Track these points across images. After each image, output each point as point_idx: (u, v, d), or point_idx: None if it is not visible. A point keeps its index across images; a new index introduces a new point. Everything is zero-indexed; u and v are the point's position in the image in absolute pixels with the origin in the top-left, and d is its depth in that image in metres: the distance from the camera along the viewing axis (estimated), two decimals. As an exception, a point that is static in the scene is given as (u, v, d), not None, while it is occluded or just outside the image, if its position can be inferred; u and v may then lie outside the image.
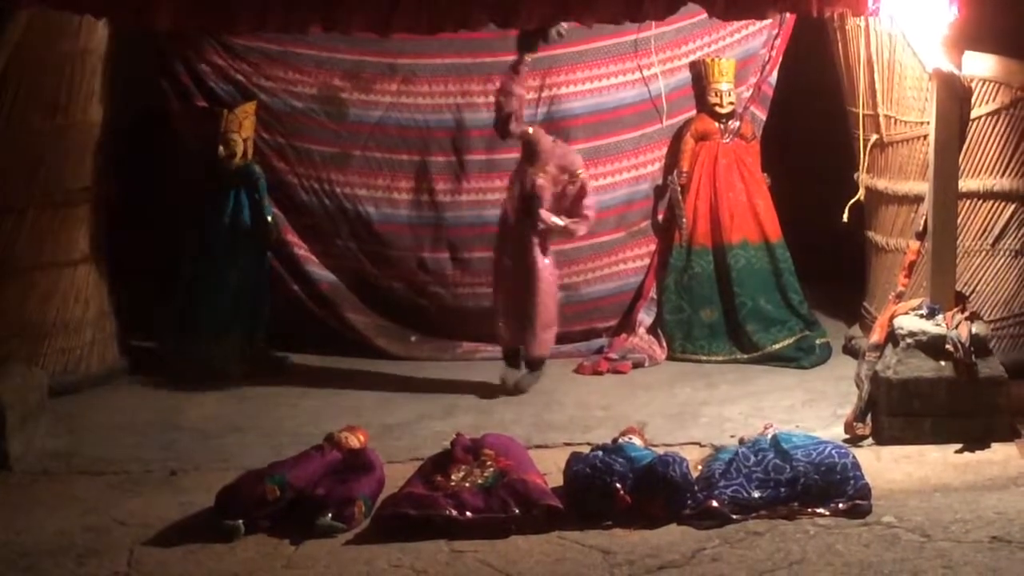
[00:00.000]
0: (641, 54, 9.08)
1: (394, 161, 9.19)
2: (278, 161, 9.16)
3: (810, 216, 8.96)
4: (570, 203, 8.36)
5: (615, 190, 9.18)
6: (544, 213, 8.24)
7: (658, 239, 9.27)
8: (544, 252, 8.36)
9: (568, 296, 9.16)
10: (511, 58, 8.80)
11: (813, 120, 9.58)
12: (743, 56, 9.17)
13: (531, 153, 8.35)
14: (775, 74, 9.25)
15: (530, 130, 8.39)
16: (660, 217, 9.23)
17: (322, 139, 9.14)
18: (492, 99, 8.85)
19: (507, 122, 8.25)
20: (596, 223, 8.96)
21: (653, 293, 9.19)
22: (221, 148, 8.85)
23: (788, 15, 8.82)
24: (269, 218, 8.92)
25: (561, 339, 9.13)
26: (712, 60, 9.01)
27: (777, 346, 8.85)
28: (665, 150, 9.25)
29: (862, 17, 8.30)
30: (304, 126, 9.13)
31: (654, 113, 9.20)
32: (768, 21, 8.90)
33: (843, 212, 8.59)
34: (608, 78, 9.13)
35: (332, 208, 9.21)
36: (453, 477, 6.29)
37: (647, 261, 9.32)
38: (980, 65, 7.76)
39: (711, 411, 7.82)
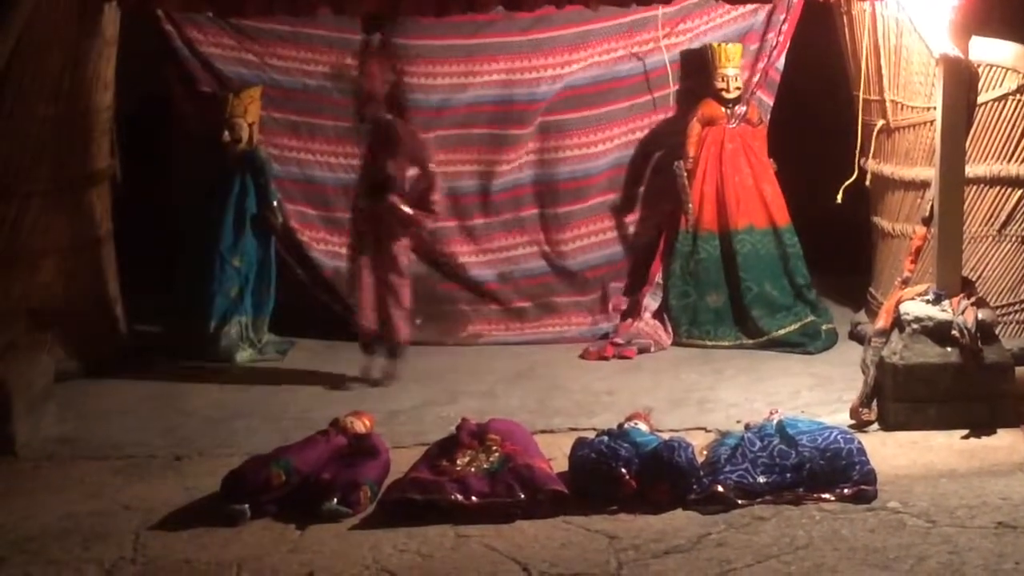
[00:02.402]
0: (636, 32, 9.14)
1: None
2: (291, 139, 9.20)
3: (816, 202, 8.94)
4: (419, 196, 8.26)
5: (607, 156, 9.25)
6: (395, 200, 8.14)
7: (664, 224, 9.28)
8: (401, 236, 8.25)
9: (556, 265, 9.33)
10: (518, 39, 9.01)
11: (820, 105, 9.58)
12: (740, 34, 9.20)
13: (387, 140, 8.22)
14: (782, 59, 9.25)
15: (389, 117, 8.25)
16: (641, 189, 9.34)
17: (336, 115, 9.15)
18: (499, 77, 9.08)
19: (366, 105, 8.17)
20: (589, 187, 9.25)
21: (659, 278, 9.18)
22: (226, 133, 8.86)
23: (795, -1, 8.86)
24: (275, 203, 8.94)
25: (553, 310, 9.25)
26: (719, 45, 9.00)
27: (783, 331, 8.84)
28: (653, 120, 9.37)
29: (868, 2, 8.30)
30: (317, 103, 9.14)
31: (644, 85, 9.30)
32: (771, 4, 8.90)
33: (846, 196, 8.60)
34: (607, 53, 9.19)
35: (348, 180, 9.20)
36: (458, 462, 6.30)
37: (635, 230, 9.42)
38: (987, 50, 7.75)
39: (717, 396, 7.82)
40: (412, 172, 8.29)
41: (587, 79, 9.25)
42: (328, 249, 9.22)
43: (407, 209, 8.17)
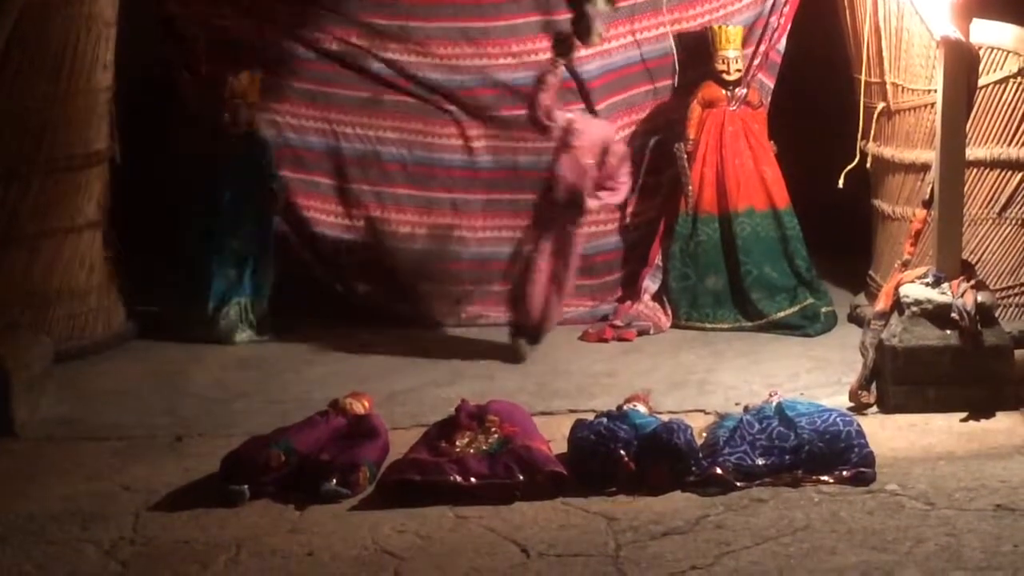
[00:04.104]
0: (642, 17, 9.12)
1: (421, 107, 9.22)
2: (307, 108, 9.19)
3: (816, 184, 8.93)
4: (607, 173, 8.38)
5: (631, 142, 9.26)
6: (593, 202, 8.35)
7: (664, 206, 9.27)
8: (580, 225, 8.43)
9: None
10: (523, 20, 9.05)
11: (820, 88, 9.56)
12: (749, 22, 9.16)
13: (572, 137, 8.33)
14: (783, 41, 9.22)
15: (569, 115, 8.40)
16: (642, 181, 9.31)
17: (351, 84, 9.18)
18: (511, 61, 9.09)
19: (542, 118, 8.26)
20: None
21: (659, 260, 9.18)
22: (227, 115, 8.85)
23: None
24: (274, 184, 8.93)
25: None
26: (719, 27, 8.98)
27: (782, 314, 8.83)
28: (653, 110, 9.33)
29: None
30: (333, 72, 9.15)
31: (650, 73, 9.27)
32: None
33: (847, 179, 8.60)
34: (617, 39, 9.14)
35: (364, 150, 9.23)
36: (458, 443, 6.31)
37: (640, 219, 9.38)
38: (988, 32, 7.74)
39: (716, 379, 7.82)
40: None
41: (602, 67, 9.20)
42: (335, 222, 9.23)
43: (599, 200, 8.41)
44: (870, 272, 9.08)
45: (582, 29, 8.17)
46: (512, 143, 9.21)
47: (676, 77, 9.23)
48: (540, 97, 8.23)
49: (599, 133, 8.48)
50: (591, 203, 8.35)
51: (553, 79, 8.26)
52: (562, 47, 8.28)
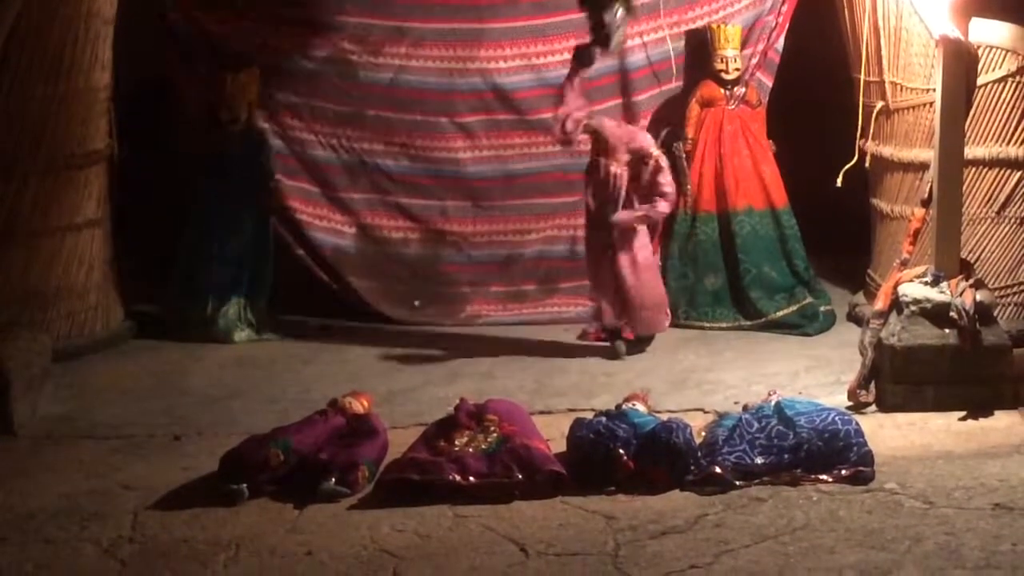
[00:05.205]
0: (646, 18, 9.08)
1: (408, 121, 9.21)
2: (293, 119, 9.20)
3: (815, 183, 8.93)
4: (647, 182, 8.29)
5: None
6: (622, 216, 8.22)
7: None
8: (633, 238, 8.32)
9: (571, 250, 9.25)
10: (519, 23, 9.00)
11: (819, 87, 9.55)
12: (749, 23, 9.14)
13: (600, 144, 8.28)
14: (782, 40, 9.21)
15: (591, 122, 8.30)
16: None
17: (336, 98, 9.16)
18: (504, 64, 9.06)
19: (563, 127, 8.22)
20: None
21: (657, 260, 9.15)
22: (224, 113, 8.85)
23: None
24: (272, 183, 8.93)
25: (556, 293, 9.31)
26: (718, 26, 8.98)
27: (781, 313, 8.84)
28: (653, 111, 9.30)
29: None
30: (318, 85, 9.14)
31: (653, 78, 9.23)
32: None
33: (846, 178, 8.60)
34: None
35: (351, 161, 9.26)
36: (456, 442, 6.31)
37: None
38: (987, 31, 7.73)
39: (715, 377, 7.82)
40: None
41: (602, 70, 9.17)
42: (330, 227, 9.23)
43: (636, 214, 8.25)
44: (869, 271, 9.08)
45: (602, 37, 8.10)
46: (501, 151, 9.20)
47: (674, 79, 9.20)
48: (563, 107, 8.19)
49: (630, 140, 8.34)
50: (626, 219, 8.22)
51: (571, 89, 8.18)
52: (583, 57, 8.22)
